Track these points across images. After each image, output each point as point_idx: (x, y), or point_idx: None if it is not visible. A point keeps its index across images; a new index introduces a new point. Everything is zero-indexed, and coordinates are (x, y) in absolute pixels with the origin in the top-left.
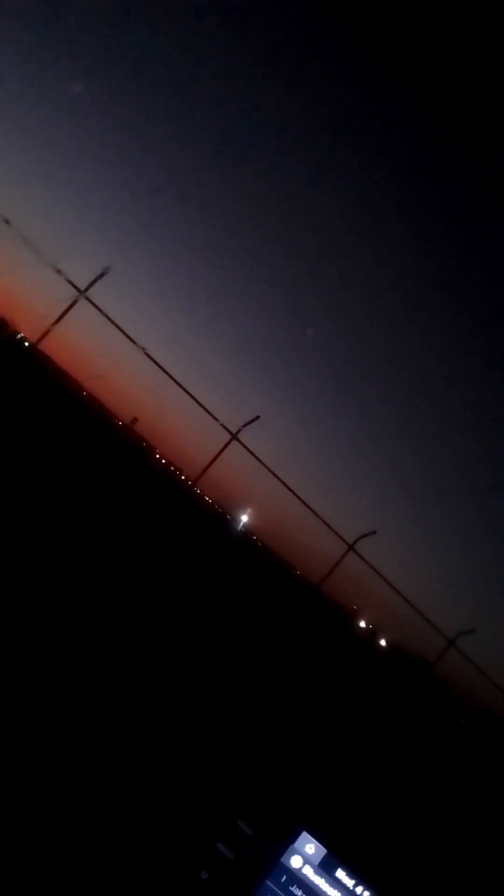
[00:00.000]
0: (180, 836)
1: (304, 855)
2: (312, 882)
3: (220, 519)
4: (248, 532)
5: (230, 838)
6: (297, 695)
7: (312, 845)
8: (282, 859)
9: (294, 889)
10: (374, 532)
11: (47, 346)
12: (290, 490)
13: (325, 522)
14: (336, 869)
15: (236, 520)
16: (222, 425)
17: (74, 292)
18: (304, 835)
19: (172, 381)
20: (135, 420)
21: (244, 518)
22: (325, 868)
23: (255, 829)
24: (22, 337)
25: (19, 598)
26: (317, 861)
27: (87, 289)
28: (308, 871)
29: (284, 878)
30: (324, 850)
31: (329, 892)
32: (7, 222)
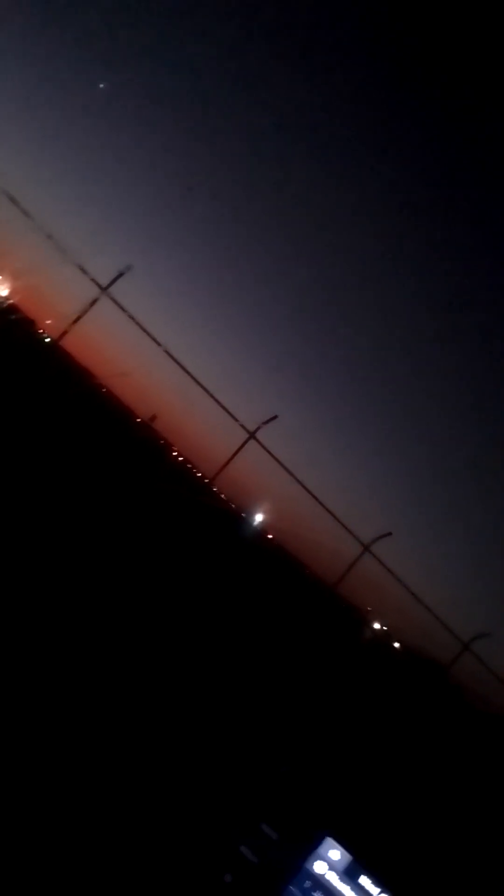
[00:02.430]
0: (204, 839)
1: (329, 861)
2: (336, 888)
3: (235, 517)
4: (263, 531)
5: (254, 842)
6: (314, 698)
7: (337, 851)
8: (305, 864)
9: (317, 895)
10: (390, 534)
11: (68, 343)
12: (307, 490)
13: (340, 523)
14: (360, 876)
15: (252, 518)
16: (240, 424)
17: (96, 290)
18: (329, 840)
19: (192, 380)
20: (154, 417)
21: (260, 517)
22: (350, 874)
23: (280, 834)
24: (44, 334)
25: (35, 590)
26: (341, 867)
27: (108, 286)
28: (332, 877)
29: (308, 883)
30: (349, 857)
31: None
32: (31, 219)
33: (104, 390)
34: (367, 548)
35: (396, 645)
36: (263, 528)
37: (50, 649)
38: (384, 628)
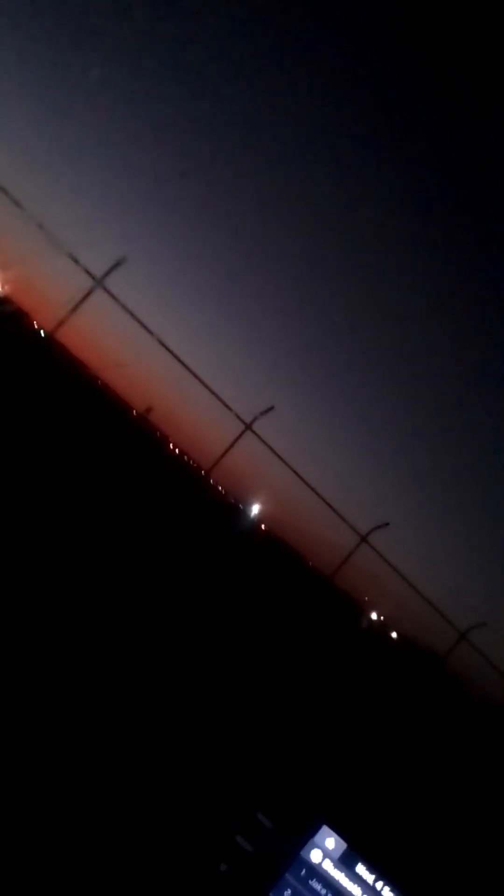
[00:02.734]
0: (199, 829)
1: (324, 849)
2: (332, 876)
3: (232, 509)
4: (259, 522)
5: (249, 831)
6: (310, 688)
7: (332, 839)
8: (301, 853)
9: (313, 883)
10: (387, 524)
11: (63, 336)
12: (304, 481)
13: (337, 514)
14: (356, 864)
15: (248, 510)
16: (237, 415)
17: (90, 281)
18: (325, 829)
19: (188, 371)
20: (149, 409)
21: (256, 508)
22: (345, 862)
23: (275, 823)
24: (37, 326)
25: (27, 589)
26: (337, 856)
27: (103, 277)
28: (328, 866)
29: (304, 871)
30: (344, 845)
31: (349, 887)
32: (22, 208)
33: (99, 382)
34: (364, 538)
35: (393, 635)
36: (260, 519)
37: (43, 638)
38: (381, 618)
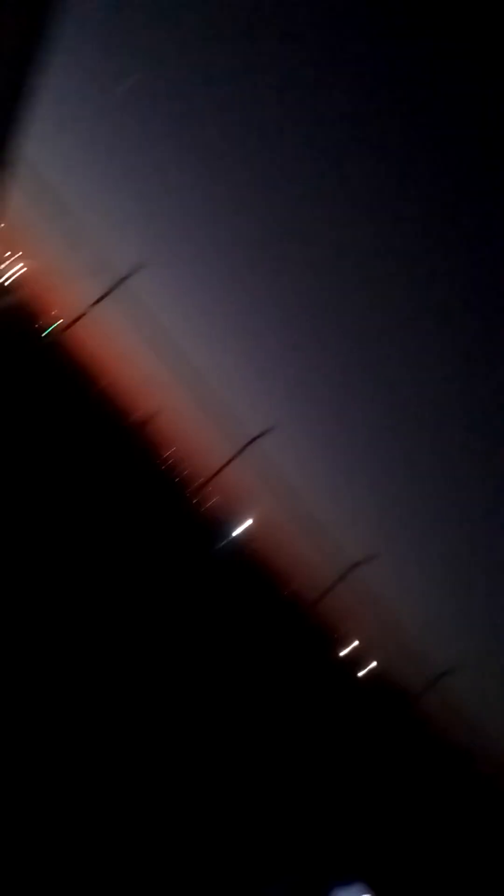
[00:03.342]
0: (229, 876)
1: None
2: None
3: (221, 523)
4: (248, 539)
5: (279, 882)
6: (316, 737)
7: None
8: None
9: None
10: (376, 556)
11: (77, 331)
12: (298, 503)
13: (329, 539)
14: None
15: (238, 526)
16: (238, 430)
17: (109, 282)
18: (356, 886)
19: (196, 381)
20: (153, 414)
21: (247, 524)
22: None
23: (305, 876)
24: (52, 322)
25: (29, 581)
26: None
27: (121, 280)
28: None
29: None
30: None
31: None
32: (54, 203)
33: (106, 383)
34: (353, 567)
35: (369, 667)
36: (249, 536)
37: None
38: (359, 650)
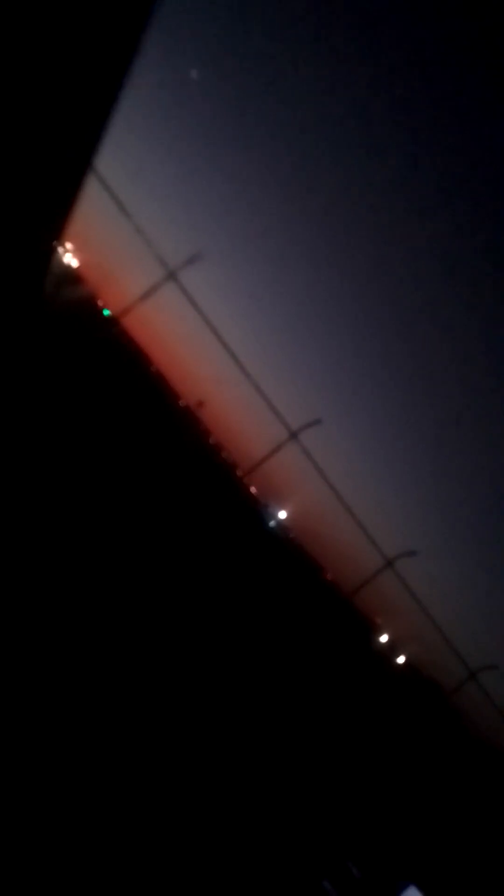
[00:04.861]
0: (289, 869)
1: None
2: None
3: (261, 511)
4: (286, 530)
5: (338, 878)
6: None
7: None
8: None
9: None
10: (415, 553)
11: (129, 321)
12: (339, 497)
13: (367, 534)
14: None
15: (277, 515)
16: (283, 423)
17: (164, 272)
18: (412, 889)
19: (243, 373)
20: (200, 403)
21: (285, 514)
22: None
23: (364, 874)
24: (105, 309)
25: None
26: None
27: (176, 270)
28: None
29: None
30: None
31: None
32: (109, 193)
33: (154, 371)
34: (390, 562)
35: (407, 657)
36: (287, 526)
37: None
38: (393, 643)
